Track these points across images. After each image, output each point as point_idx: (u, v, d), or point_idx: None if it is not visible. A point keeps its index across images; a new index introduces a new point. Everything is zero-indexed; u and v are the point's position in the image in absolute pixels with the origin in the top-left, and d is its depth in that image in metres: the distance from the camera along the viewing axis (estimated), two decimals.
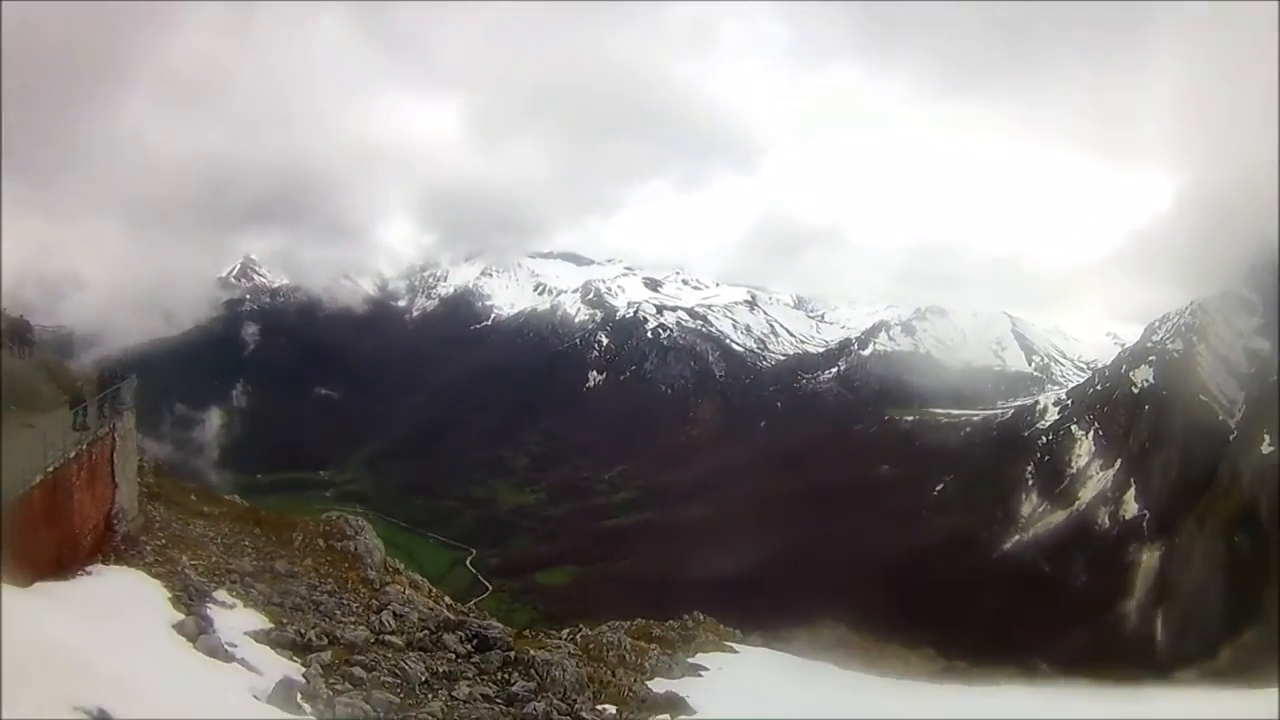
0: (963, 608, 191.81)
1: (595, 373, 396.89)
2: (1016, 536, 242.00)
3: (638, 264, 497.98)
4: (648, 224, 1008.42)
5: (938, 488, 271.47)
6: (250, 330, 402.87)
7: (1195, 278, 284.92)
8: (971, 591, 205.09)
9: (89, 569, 33.29)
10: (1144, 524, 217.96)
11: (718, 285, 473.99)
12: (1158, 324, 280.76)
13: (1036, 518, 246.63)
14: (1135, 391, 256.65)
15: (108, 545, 36.35)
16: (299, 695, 27.68)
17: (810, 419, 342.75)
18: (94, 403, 36.74)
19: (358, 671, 32.60)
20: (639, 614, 65.57)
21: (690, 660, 53.15)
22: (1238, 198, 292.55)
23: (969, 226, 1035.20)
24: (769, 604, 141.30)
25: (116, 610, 29.65)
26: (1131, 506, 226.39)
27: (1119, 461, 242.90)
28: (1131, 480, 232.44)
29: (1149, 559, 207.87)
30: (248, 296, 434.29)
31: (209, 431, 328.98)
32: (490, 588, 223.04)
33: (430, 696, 32.59)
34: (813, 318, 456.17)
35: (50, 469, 31.00)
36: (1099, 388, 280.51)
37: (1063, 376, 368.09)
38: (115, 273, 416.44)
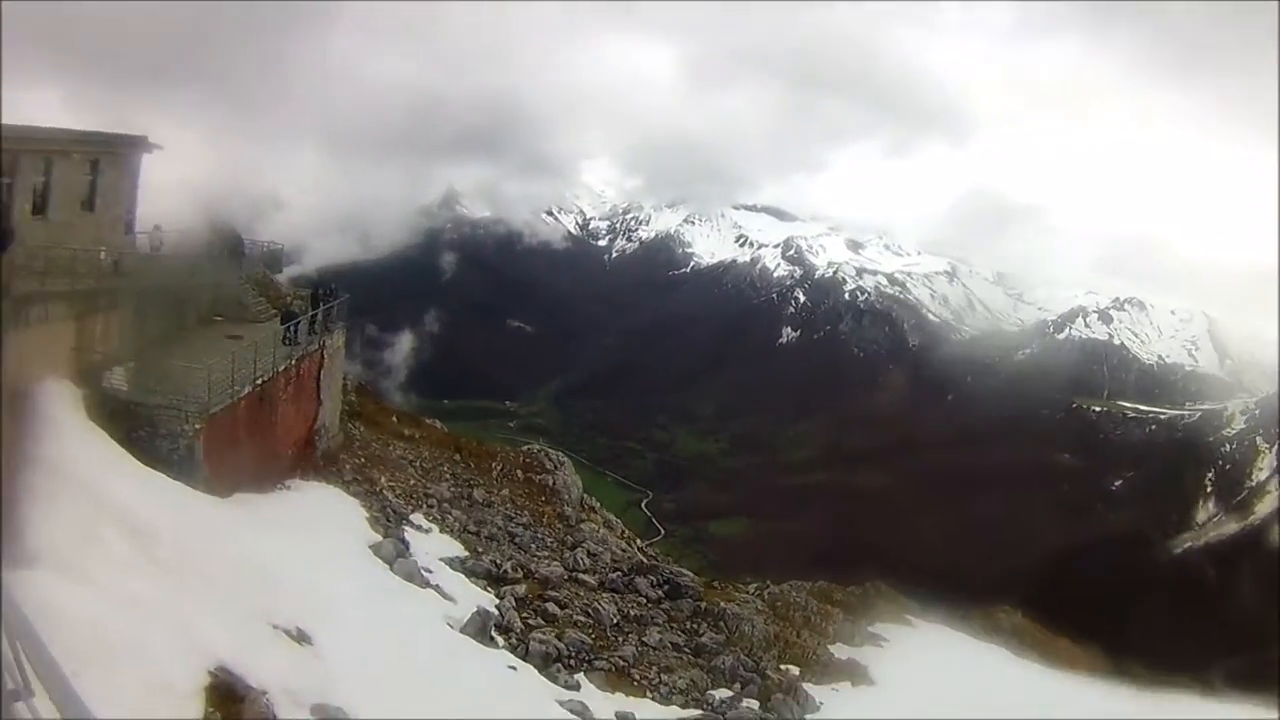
0: (1128, 608, 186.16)
1: (789, 329, 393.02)
2: (1188, 543, 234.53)
3: (840, 225, 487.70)
4: (853, 186, 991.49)
5: (1116, 483, 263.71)
6: (448, 259, 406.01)
7: None
8: (1137, 593, 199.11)
9: (288, 483, 33.56)
10: None
11: (919, 253, 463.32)
12: None
13: (1211, 526, 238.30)
14: None
15: (308, 461, 36.65)
16: (493, 628, 27.53)
17: (998, 398, 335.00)
18: (306, 319, 36.88)
19: (551, 608, 32.50)
20: (806, 573, 64.55)
21: (870, 629, 52.11)
22: None
23: (1175, 220, 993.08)
24: (938, 580, 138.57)
25: (314, 527, 29.81)
26: None
27: None
28: None
29: None
30: (448, 226, 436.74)
31: (399, 354, 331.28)
32: (663, 531, 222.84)
33: (621, 640, 32.26)
34: (1011, 295, 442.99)
35: (258, 381, 31.20)
36: None
37: (1254, 384, 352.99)
38: (317, 195, 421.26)
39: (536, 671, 26.61)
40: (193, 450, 26.63)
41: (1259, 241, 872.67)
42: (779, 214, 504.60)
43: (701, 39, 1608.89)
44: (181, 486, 24.47)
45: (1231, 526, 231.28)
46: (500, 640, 27.68)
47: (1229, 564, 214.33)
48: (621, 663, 29.89)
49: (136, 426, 25.81)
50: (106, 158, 33.95)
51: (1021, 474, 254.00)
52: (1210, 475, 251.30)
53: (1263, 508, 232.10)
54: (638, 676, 29.87)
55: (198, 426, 26.82)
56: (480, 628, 26.75)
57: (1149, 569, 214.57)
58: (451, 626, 26.46)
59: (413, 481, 42.72)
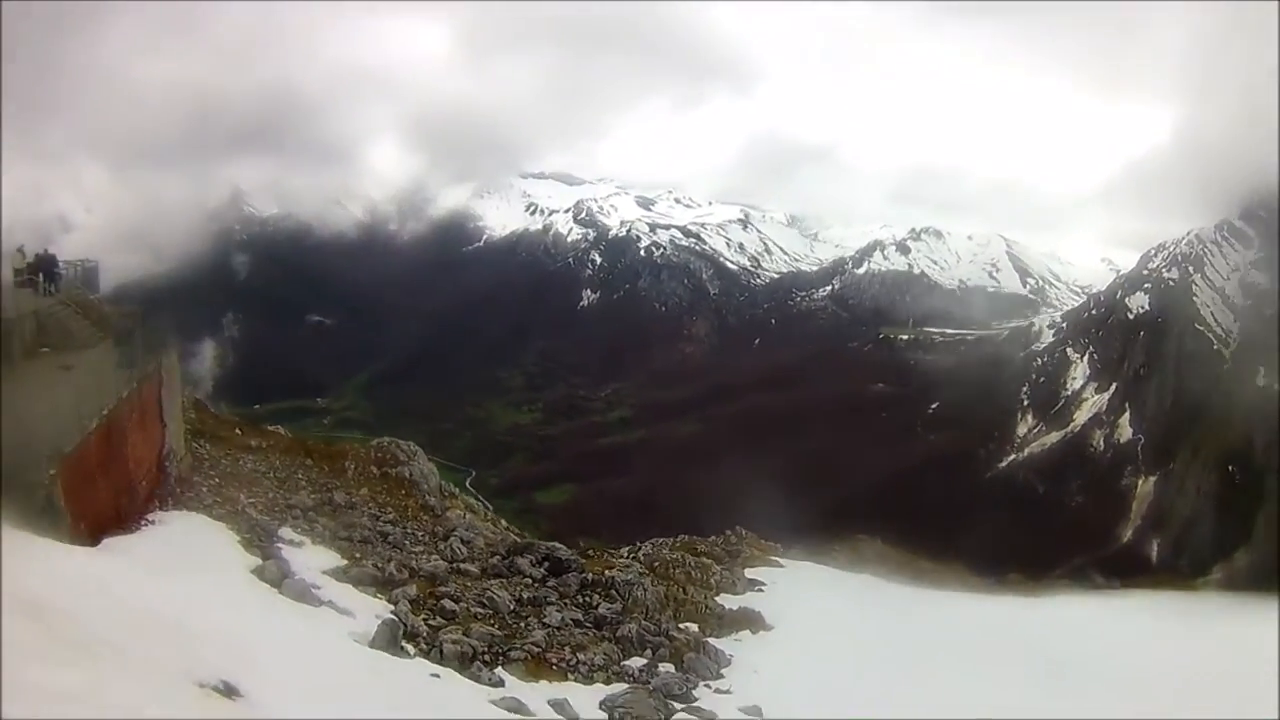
0: (964, 525, 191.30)
1: (589, 292, 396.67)
2: (1012, 456, 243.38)
3: (631, 184, 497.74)
4: (641, 144, 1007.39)
5: (933, 406, 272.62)
6: (240, 260, 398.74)
7: (1192, 209, 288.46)
8: (970, 509, 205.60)
9: (150, 517, 31.44)
10: (1139, 449, 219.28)
11: (711, 204, 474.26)
12: (1154, 252, 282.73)
13: (1032, 438, 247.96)
14: (1130, 317, 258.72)
15: (163, 489, 34.46)
16: (401, 636, 26.36)
17: (804, 337, 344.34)
18: (140, 338, 34.75)
19: (447, 604, 31.43)
20: (640, 532, 64.46)
21: (746, 575, 52.12)
22: (1236, 131, 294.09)
23: (967, 150, 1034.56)
24: (778, 520, 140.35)
25: (193, 561, 27.88)
26: (1126, 431, 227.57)
27: (1114, 386, 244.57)
28: (1126, 405, 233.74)
29: (1144, 484, 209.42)
30: (237, 227, 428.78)
31: (203, 364, 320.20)
32: (491, 508, 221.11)
33: (525, 626, 31.47)
34: (807, 236, 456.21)
35: (104, 412, 29.11)
36: (1094, 312, 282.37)
37: (1057, 299, 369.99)
38: (103, 211, 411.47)
39: (458, 674, 25.53)
40: (52, 499, 24.44)
41: (1050, 165, 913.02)
42: (568, 179, 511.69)
43: (473, 6, 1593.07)
44: (51, 543, 22.43)
45: (1053, 436, 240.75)
46: (411, 649, 26.48)
47: (1054, 475, 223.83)
48: (535, 649, 29.10)
49: None
50: None
51: (838, 408, 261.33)
52: (1025, 389, 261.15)
53: (1081, 415, 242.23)
54: (554, 660, 29.09)
55: (53, 472, 24.70)
56: (390, 639, 25.47)
57: (975, 486, 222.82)
58: (358, 642, 25.17)
59: (271, 494, 40.75)
